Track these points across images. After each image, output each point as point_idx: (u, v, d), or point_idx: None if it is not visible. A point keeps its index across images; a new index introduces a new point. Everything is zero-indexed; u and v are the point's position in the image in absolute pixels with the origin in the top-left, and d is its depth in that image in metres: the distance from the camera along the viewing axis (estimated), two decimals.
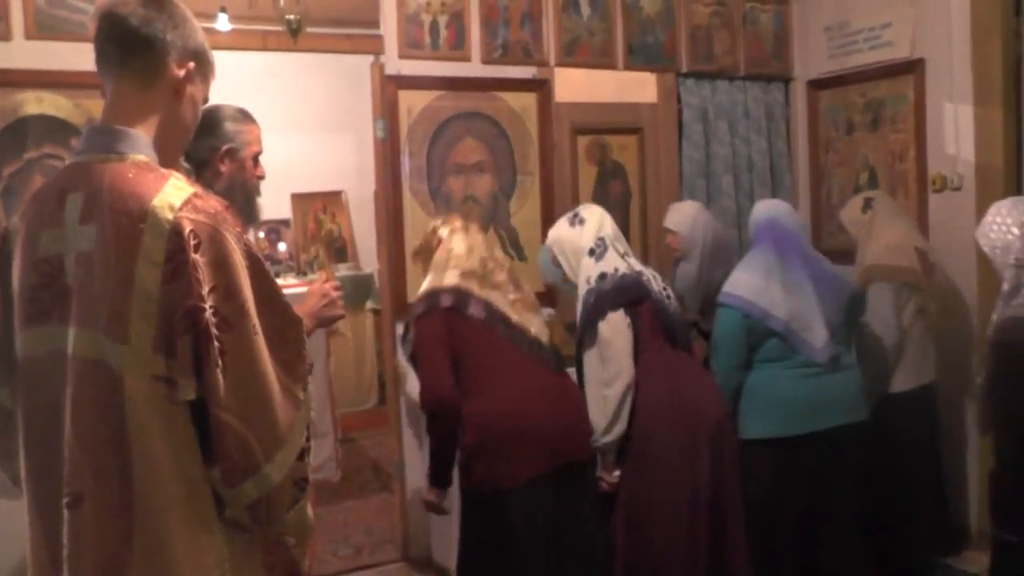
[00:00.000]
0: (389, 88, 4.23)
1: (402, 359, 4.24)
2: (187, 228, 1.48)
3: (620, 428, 3.11)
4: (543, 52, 4.57)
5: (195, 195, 1.53)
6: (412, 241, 4.26)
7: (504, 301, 3.10)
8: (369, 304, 6.71)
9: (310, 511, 1.70)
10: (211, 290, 1.49)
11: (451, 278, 3.08)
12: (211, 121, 2.35)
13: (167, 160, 1.64)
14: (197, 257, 1.48)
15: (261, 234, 6.63)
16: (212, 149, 2.34)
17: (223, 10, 3.76)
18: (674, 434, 3.09)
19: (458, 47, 4.37)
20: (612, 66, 4.78)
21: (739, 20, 5.11)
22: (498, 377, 3.00)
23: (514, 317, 3.09)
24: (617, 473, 3.15)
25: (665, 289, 3.30)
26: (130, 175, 1.53)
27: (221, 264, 1.51)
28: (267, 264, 1.64)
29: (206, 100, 1.77)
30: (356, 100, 5.08)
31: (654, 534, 3.09)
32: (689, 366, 3.28)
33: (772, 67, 5.24)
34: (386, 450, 4.91)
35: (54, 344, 1.54)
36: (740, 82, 5.12)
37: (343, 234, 7.14)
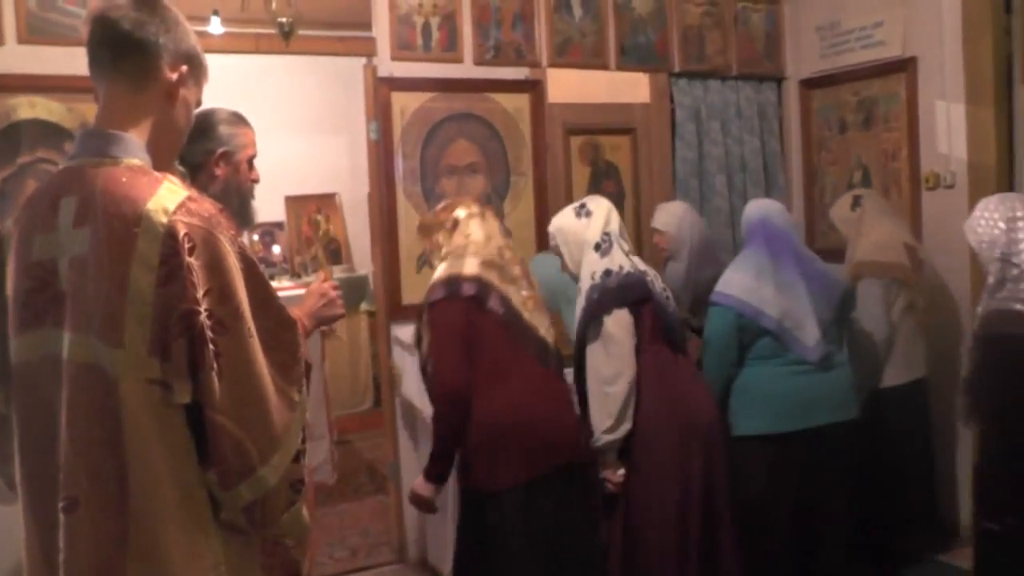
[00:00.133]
0: (382, 90, 4.23)
1: (396, 360, 4.26)
2: (181, 231, 1.48)
3: (627, 426, 3.09)
4: (535, 53, 4.57)
5: (189, 198, 1.53)
6: (406, 243, 4.28)
7: (519, 297, 3.06)
8: (364, 306, 6.70)
9: (306, 513, 1.70)
10: (206, 293, 1.49)
11: (471, 267, 3.01)
12: (206, 125, 2.35)
13: (161, 163, 1.64)
14: (192, 260, 1.48)
15: (255, 237, 6.62)
16: (207, 153, 2.35)
17: (215, 13, 3.76)
18: (669, 436, 3.10)
19: (450, 48, 4.37)
20: (604, 66, 4.78)
21: (731, 20, 5.12)
22: (506, 376, 2.97)
23: (525, 315, 3.05)
24: (622, 472, 3.13)
25: (665, 290, 3.29)
26: (124, 179, 1.53)
27: (216, 267, 1.51)
28: (261, 267, 1.64)
29: (199, 103, 1.77)
30: (349, 102, 5.07)
31: (649, 534, 3.10)
32: (684, 369, 3.28)
33: (764, 67, 5.25)
34: (381, 452, 4.91)
35: (49, 349, 1.54)
36: (732, 82, 5.13)
37: (337, 236, 7.14)
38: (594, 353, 3.13)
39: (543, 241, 4.54)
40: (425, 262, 4.27)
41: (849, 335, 3.72)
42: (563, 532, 3.00)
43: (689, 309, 4.14)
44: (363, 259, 6.72)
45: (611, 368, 3.09)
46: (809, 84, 5.19)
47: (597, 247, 3.21)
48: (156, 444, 1.49)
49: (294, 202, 7.01)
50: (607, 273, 3.16)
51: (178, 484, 1.51)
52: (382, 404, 4.61)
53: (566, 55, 4.65)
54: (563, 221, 3.36)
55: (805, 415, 3.40)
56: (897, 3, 4.60)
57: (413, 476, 4.25)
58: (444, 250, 3.11)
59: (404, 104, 4.28)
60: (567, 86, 4.71)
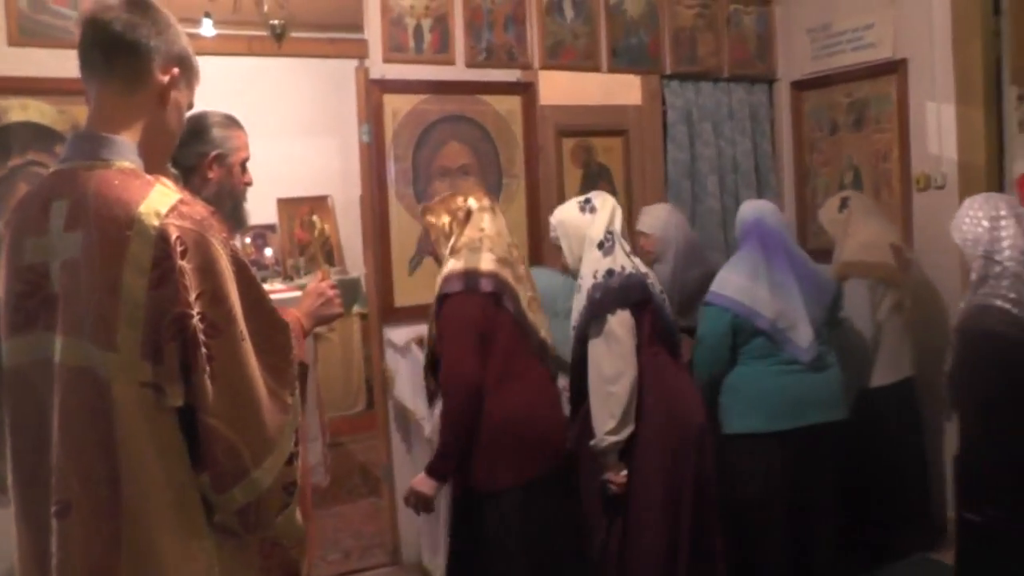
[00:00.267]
0: (374, 92, 4.23)
1: (389, 363, 4.26)
2: (173, 234, 1.48)
3: (630, 428, 3.07)
4: (527, 55, 4.58)
5: (181, 201, 1.53)
6: (399, 245, 4.27)
7: (525, 297, 3.05)
8: (356, 308, 6.69)
9: (299, 515, 1.70)
10: (198, 296, 1.49)
11: (488, 262, 2.97)
12: (199, 127, 2.36)
13: (153, 166, 1.64)
14: (184, 263, 1.48)
15: (247, 239, 6.61)
16: (200, 155, 2.35)
17: (208, 15, 3.76)
18: (665, 438, 3.10)
19: (442, 51, 4.37)
20: (596, 68, 4.79)
21: (723, 22, 5.13)
22: (515, 376, 2.97)
23: (530, 316, 3.05)
24: (624, 472, 3.11)
25: (662, 292, 3.28)
26: (116, 182, 1.53)
27: (208, 270, 1.51)
28: (253, 270, 1.64)
29: (191, 105, 1.77)
30: (341, 104, 5.07)
31: (644, 536, 3.10)
32: (679, 372, 3.28)
33: (756, 68, 5.27)
34: (374, 454, 4.91)
35: (41, 352, 1.54)
36: (724, 83, 5.14)
37: (329, 238, 7.13)
38: (596, 350, 3.10)
39: (535, 243, 4.56)
40: (418, 264, 4.27)
41: (836, 335, 3.75)
42: (557, 534, 3.01)
43: (676, 311, 4.15)
44: (355, 261, 6.71)
45: (613, 367, 3.06)
46: (800, 86, 5.21)
47: (600, 245, 3.18)
48: (149, 447, 1.49)
49: (286, 204, 7.00)
50: (609, 273, 3.13)
51: (171, 487, 1.51)
52: (375, 406, 4.61)
53: (558, 57, 4.65)
54: (566, 214, 3.32)
55: (797, 414, 3.43)
56: (888, 5, 4.62)
57: (406, 478, 4.25)
58: (456, 241, 3.05)
59: (396, 106, 4.28)
60: (559, 88, 4.71)
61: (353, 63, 4.25)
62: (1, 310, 1.61)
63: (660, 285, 3.29)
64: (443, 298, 2.96)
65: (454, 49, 4.39)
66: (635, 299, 3.13)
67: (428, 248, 3.23)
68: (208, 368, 1.49)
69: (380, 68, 4.24)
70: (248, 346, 1.55)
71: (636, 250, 3.55)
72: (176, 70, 1.67)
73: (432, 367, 3.07)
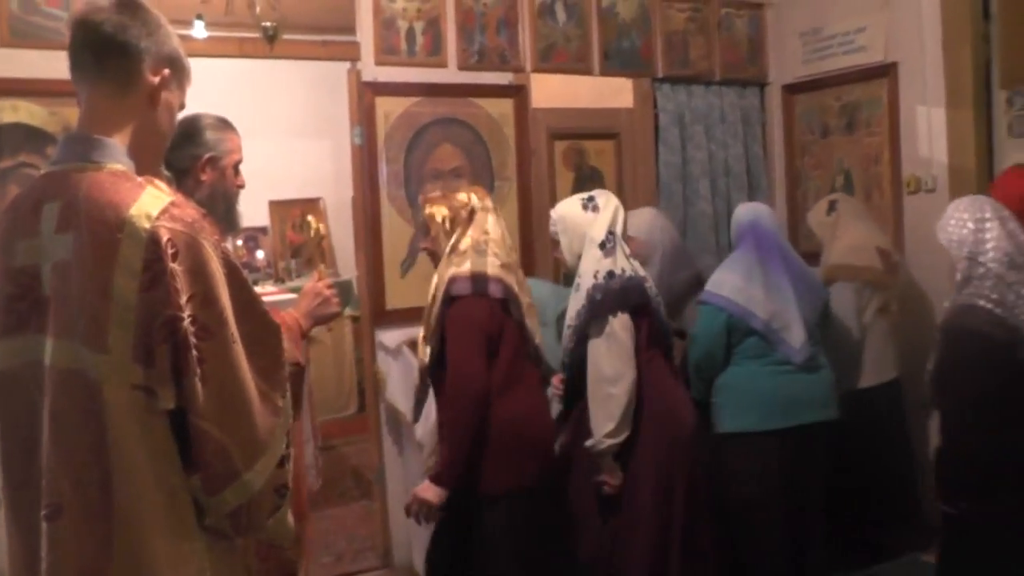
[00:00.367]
0: (366, 94, 4.23)
1: (381, 365, 4.26)
2: (164, 237, 1.47)
3: (628, 431, 3.07)
4: (519, 58, 4.58)
5: (172, 204, 1.53)
6: (391, 247, 4.27)
7: (524, 303, 3.04)
8: (348, 311, 6.68)
9: (291, 518, 1.69)
10: (189, 299, 1.48)
11: (494, 268, 2.95)
12: (192, 130, 2.36)
13: (144, 167, 1.63)
14: (175, 266, 1.47)
15: (239, 242, 6.60)
16: (193, 158, 2.35)
17: (199, 17, 3.75)
18: (660, 440, 3.11)
19: (434, 53, 4.37)
20: (588, 71, 4.79)
21: (714, 25, 5.14)
22: (516, 382, 2.97)
23: (528, 322, 3.05)
24: (620, 474, 3.11)
25: (658, 296, 3.28)
26: (107, 184, 1.53)
27: (199, 272, 1.50)
28: (245, 272, 1.64)
29: (182, 106, 1.76)
30: (333, 106, 5.06)
31: (636, 538, 3.11)
32: (671, 376, 3.29)
33: (747, 72, 5.28)
34: (366, 457, 4.90)
35: (32, 355, 1.54)
36: (716, 87, 5.15)
37: (324, 239, 7.12)
38: (597, 350, 3.09)
39: (527, 245, 4.56)
40: (410, 266, 4.27)
41: (823, 338, 3.76)
42: (552, 536, 3.02)
43: (665, 313, 4.15)
44: (347, 264, 6.70)
45: (613, 368, 3.06)
46: (792, 89, 5.22)
47: (602, 245, 3.15)
48: (140, 450, 1.49)
49: (278, 206, 6.99)
50: (610, 275, 3.12)
51: (162, 490, 1.51)
52: (367, 409, 4.60)
53: (550, 60, 4.66)
54: (567, 210, 3.29)
55: (791, 414, 3.46)
56: (879, 9, 4.64)
57: (398, 481, 4.28)
58: (459, 240, 3.01)
59: (388, 109, 4.28)
60: (551, 91, 4.72)
61: (345, 65, 4.25)
62: None
63: (656, 290, 3.29)
64: (451, 300, 2.93)
65: (446, 52, 4.39)
66: (635, 302, 3.13)
67: (422, 243, 3.19)
68: (199, 370, 1.48)
69: (372, 70, 4.24)
70: (239, 348, 1.54)
71: None
72: (167, 71, 1.66)
73: (433, 365, 3.01)
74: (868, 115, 4.77)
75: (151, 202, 1.51)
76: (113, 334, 1.46)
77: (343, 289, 6.64)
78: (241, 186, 2.47)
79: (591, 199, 3.26)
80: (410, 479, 4.18)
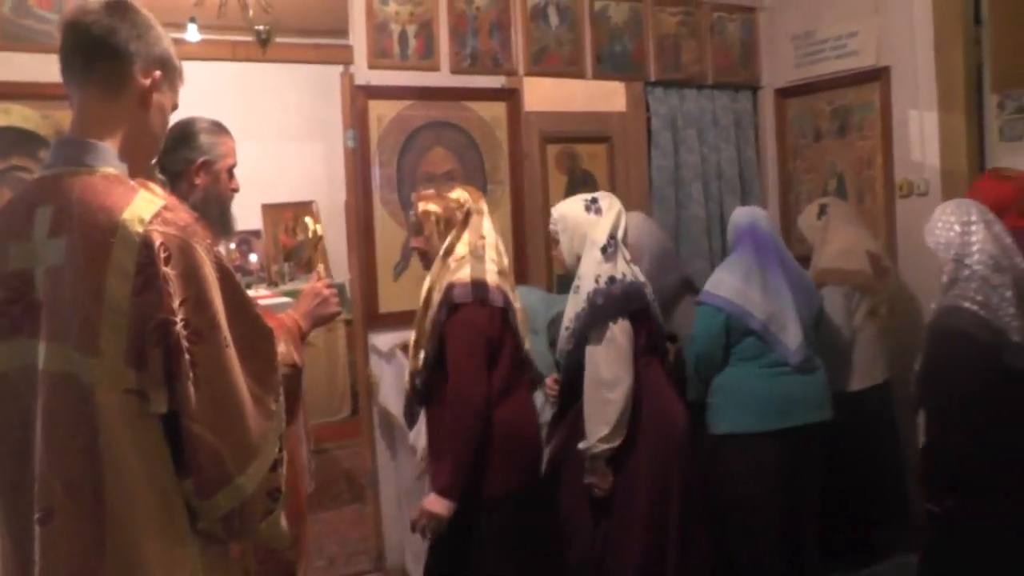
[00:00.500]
0: (359, 98, 4.23)
1: (374, 369, 4.25)
2: (157, 241, 1.47)
3: (622, 436, 3.07)
4: (512, 61, 4.58)
5: (165, 207, 1.52)
6: (383, 251, 4.27)
7: (517, 310, 3.03)
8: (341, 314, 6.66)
9: (284, 521, 1.69)
10: (182, 302, 1.48)
11: (492, 275, 2.93)
12: (186, 133, 2.36)
13: (137, 169, 1.63)
14: (167, 270, 1.47)
15: (232, 245, 6.59)
16: (187, 161, 2.35)
17: (192, 20, 3.75)
18: (655, 444, 3.12)
19: (427, 57, 4.37)
20: (581, 75, 4.80)
21: (706, 29, 5.16)
22: (514, 389, 2.98)
23: (520, 329, 3.04)
24: (610, 478, 3.11)
25: (655, 301, 3.28)
26: (100, 188, 1.52)
27: (191, 276, 1.50)
28: (238, 276, 1.64)
29: (175, 107, 1.76)
30: (326, 110, 5.06)
31: (631, 541, 3.11)
32: (666, 380, 3.29)
33: (740, 76, 5.29)
34: (359, 460, 4.89)
35: (25, 359, 1.53)
36: (708, 90, 5.16)
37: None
38: (595, 356, 3.08)
39: (520, 248, 4.57)
40: (403, 269, 4.27)
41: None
42: (545, 539, 3.02)
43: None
44: (340, 267, 6.70)
45: (611, 372, 3.05)
46: (784, 93, 5.23)
47: (604, 249, 3.14)
48: (132, 454, 1.48)
49: (271, 210, 6.98)
50: (611, 280, 3.11)
51: (155, 493, 1.50)
52: (359, 413, 4.60)
53: (543, 63, 4.66)
54: (569, 210, 3.28)
55: (787, 414, 3.49)
56: (871, 14, 4.66)
57: (391, 485, 4.28)
58: (455, 242, 2.98)
59: (381, 112, 4.28)
60: (544, 94, 4.72)
61: (338, 69, 4.25)
62: None
63: (652, 295, 3.29)
64: (452, 307, 2.89)
65: (439, 55, 4.40)
66: (636, 307, 3.13)
67: (414, 242, 3.13)
68: (191, 374, 1.48)
69: (365, 74, 4.24)
70: (232, 352, 1.54)
71: None
72: (158, 73, 1.66)
73: (428, 370, 2.98)
74: (860, 119, 4.79)
75: (144, 206, 1.51)
76: (105, 338, 1.46)
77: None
78: (235, 190, 2.47)
79: (594, 200, 3.25)
80: (403, 482, 4.18)
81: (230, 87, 5.55)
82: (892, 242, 4.58)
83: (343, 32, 4.22)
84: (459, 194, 3.05)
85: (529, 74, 4.63)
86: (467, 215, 3.00)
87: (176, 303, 1.47)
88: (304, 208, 7.08)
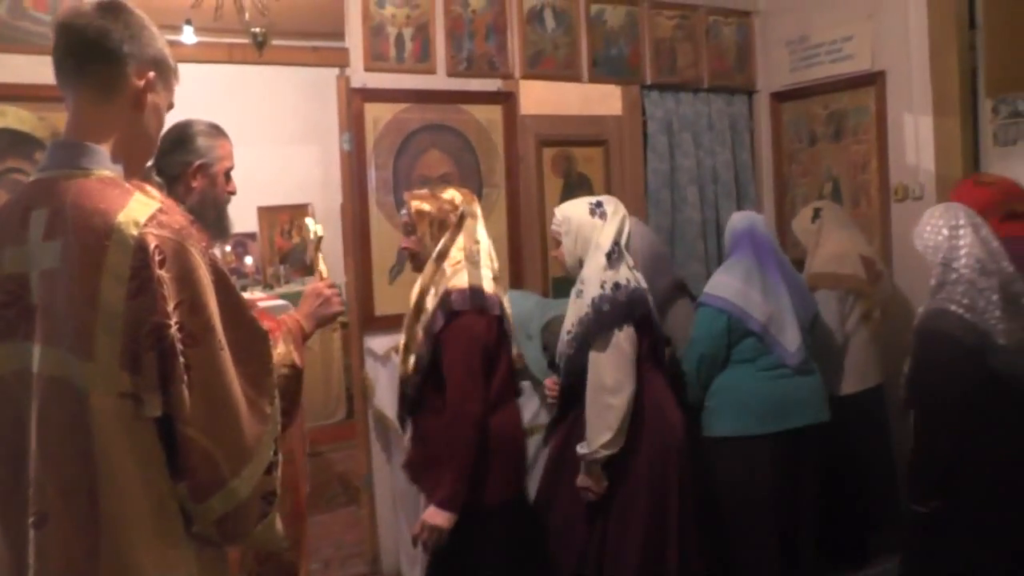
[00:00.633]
0: (355, 100, 4.23)
1: (369, 372, 4.25)
2: (152, 244, 1.47)
3: (621, 444, 3.07)
4: (508, 65, 4.59)
5: (160, 210, 1.52)
6: (379, 253, 4.27)
7: (509, 315, 3.02)
8: None
9: (279, 525, 1.69)
10: (176, 306, 1.48)
11: (488, 282, 2.90)
12: (183, 136, 2.36)
13: (133, 170, 1.63)
14: (162, 273, 1.47)
15: (227, 248, 6.58)
16: (184, 164, 2.35)
17: (188, 22, 3.75)
18: (653, 447, 3.12)
19: (423, 59, 4.37)
20: (577, 78, 4.80)
21: (702, 33, 5.16)
22: (507, 397, 2.98)
23: (513, 336, 3.04)
24: (605, 483, 3.11)
25: (654, 307, 3.28)
26: (95, 191, 1.52)
27: (186, 279, 1.50)
28: (233, 279, 1.63)
29: (171, 106, 1.75)
30: (322, 112, 5.07)
31: (630, 545, 3.11)
32: (666, 386, 3.28)
33: (735, 79, 5.30)
34: (354, 463, 4.89)
35: (20, 362, 1.53)
36: (704, 94, 5.17)
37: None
38: (599, 361, 3.07)
39: (515, 251, 4.57)
40: (398, 272, 4.27)
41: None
42: (540, 543, 3.03)
43: None
44: (335, 270, 6.69)
45: (614, 378, 3.04)
46: (780, 97, 5.24)
47: (608, 255, 3.13)
48: (127, 457, 1.48)
49: (266, 212, 6.99)
50: (616, 286, 3.09)
51: (150, 497, 1.50)
52: (354, 416, 4.59)
53: (539, 67, 4.67)
54: (574, 212, 3.25)
55: (784, 416, 3.50)
56: (866, 18, 4.67)
57: (386, 487, 4.28)
58: (448, 246, 2.93)
59: (377, 115, 4.28)
60: (540, 98, 4.73)
61: (334, 71, 4.25)
62: None
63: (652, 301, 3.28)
64: (451, 315, 2.85)
65: (435, 58, 4.40)
66: (638, 315, 3.12)
67: (404, 242, 3.08)
68: (186, 377, 1.48)
69: (361, 77, 4.24)
70: (226, 355, 1.54)
71: None
72: (152, 74, 1.65)
73: (421, 374, 2.93)
74: (855, 123, 4.80)
75: (139, 208, 1.50)
76: (100, 341, 1.46)
77: None
78: (232, 193, 2.47)
79: (599, 204, 3.23)
80: (398, 485, 4.18)
81: (226, 90, 5.56)
82: (887, 246, 4.59)
83: (339, 35, 4.22)
84: (452, 195, 3.01)
85: (525, 77, 4.64)
86: (461, 218, 2.96)
87: (171, 306, 1.47)
88: (300, 211, 7.09)
